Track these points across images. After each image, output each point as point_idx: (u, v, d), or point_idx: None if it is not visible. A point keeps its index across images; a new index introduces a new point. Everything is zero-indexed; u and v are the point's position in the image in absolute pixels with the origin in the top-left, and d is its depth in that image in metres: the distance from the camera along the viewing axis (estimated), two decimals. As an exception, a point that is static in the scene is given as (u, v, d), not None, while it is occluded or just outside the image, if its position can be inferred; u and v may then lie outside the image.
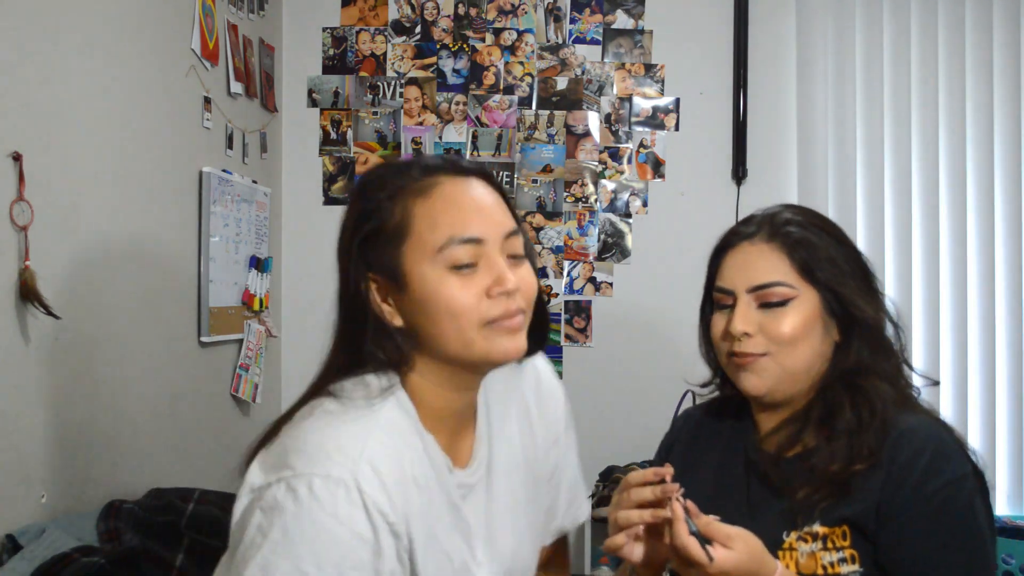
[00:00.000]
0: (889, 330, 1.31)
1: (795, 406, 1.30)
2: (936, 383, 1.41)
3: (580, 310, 3.12)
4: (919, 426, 1.22)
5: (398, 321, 1.07)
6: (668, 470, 1.12)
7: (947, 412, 2.97)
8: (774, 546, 1.19)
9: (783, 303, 1.26)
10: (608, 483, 2.69)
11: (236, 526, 1.01)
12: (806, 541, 1.19)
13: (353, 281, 1.07)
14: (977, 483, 1.21)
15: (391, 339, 1.07)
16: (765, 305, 1.27)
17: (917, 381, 1.35)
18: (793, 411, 1.30)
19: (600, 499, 2.59)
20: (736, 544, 1.09)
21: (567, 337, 3.12)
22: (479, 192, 1.08)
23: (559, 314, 3.12)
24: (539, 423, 1.24)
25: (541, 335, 1.17)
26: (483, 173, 1.11)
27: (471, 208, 1.05)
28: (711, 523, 1.10)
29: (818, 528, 1.19)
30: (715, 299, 1.34)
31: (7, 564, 1.50)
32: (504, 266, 1.05)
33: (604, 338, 3.12)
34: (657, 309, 3.07)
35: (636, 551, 1.15)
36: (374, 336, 1.06)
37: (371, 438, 1.01)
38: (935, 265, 3.03)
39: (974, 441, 2.96)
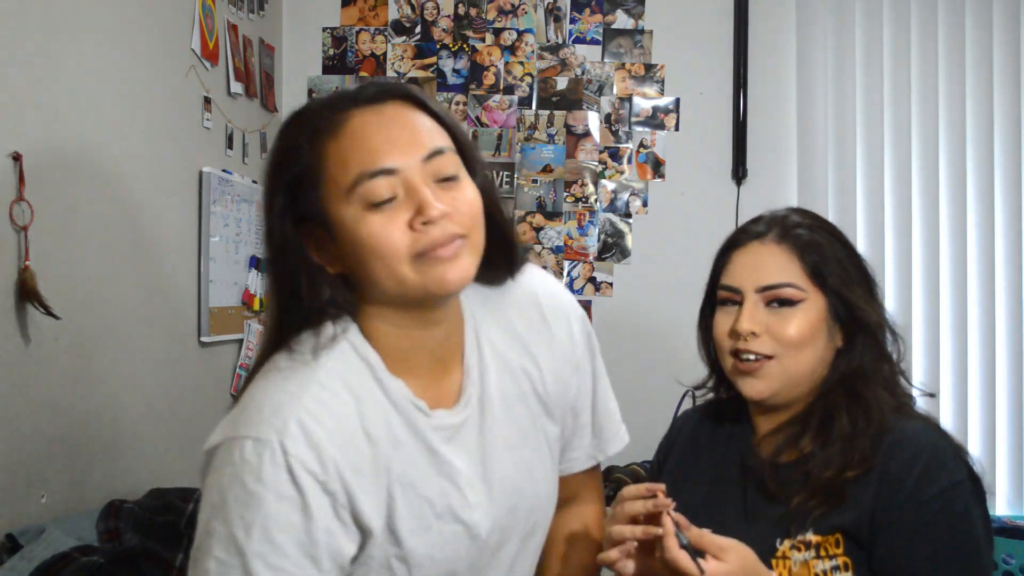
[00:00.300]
0: (889, 341, 1.31)
1: (794, 410, 1.29)
2: (933, 395, 1.39)
3: (580, 310, 3.12)
4: (913, 432, 1.21)
5: (336, 267, 1.03)
6: (660, 486, 1.11)
7: (947, 413, 2.97)
8: (768, 554, 1.18)
9: (791, 304, 1.25)
10: (609, 483, 2.69)
11: (200, 483, 1.02)
12: (799, 550, 1.18)
13: (284, 236, 1.02)
14: (973, 489, 1.20)
15: (330, 288, 1.03)
16: (772, 306, 1.26)
17: (915, 392, 1.34)
18: (792, 415, 1.29)
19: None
20: (729, 556, 1.08)
21: (567, 337, 3.11)
22: (395, 116, 1.01)
23: (559, 314, 3.11)
24: (544, 353, 1.18)
25: (508, 256, 1.12)
26: (403, 93, 1.03)
27: (380, 138, 0.99)
28: (703, 535, 1.09)
29: (811, 537, 1.18)
30: (719, 297, 1.33)
31: (7, 563, 1.50)
32: (426, 193, 0.98)
33: (604, 338, 3.05)
34: (657, 309, 3.07)
35: (628, 567, 1.14)
36: (311, 287, 1.02)
37: (306, 394, 0.99)
38: (935, 264, 3.03)
39: (974, 442, 2.97)
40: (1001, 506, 3.01)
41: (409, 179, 0.98)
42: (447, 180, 1.01)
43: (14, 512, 1.62)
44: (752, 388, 1.27)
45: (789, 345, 1.25)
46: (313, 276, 1.02)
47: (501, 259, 1.11)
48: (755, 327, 1.26)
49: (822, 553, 1.17)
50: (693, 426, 1.45)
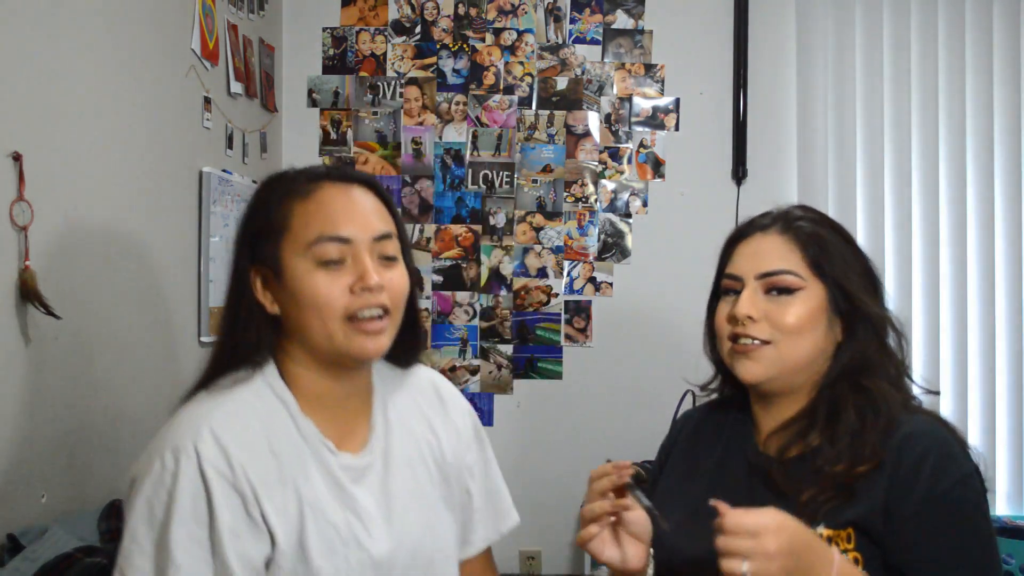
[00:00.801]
0: (891, 339, 1.31)
1: (797, 404, 1.29)
2: (936, 393, 1.40)
3: (580, 310, 3.12)
4: (923, 427, 1.22)
5: (275, 309, 1.19)
6: (626, 463, 1.15)
7: (947, 412, 2.97)
8: None
9: (790, 292, 1.26)
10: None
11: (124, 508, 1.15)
12: None
13: (239, 272, 1.20)
14: (981, 480, 1.21)
15: (262, 324, 1.18)
16: (772, 293, 1.27)
17: (917, 390, 1.35)
18: (795, 410, 1.29)
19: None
20: (767, 511, 1.08)
21: (567, 337, 3.12)
22: (357, 197, 1.19)
23: (559, 314, 3.12)
24: (441, 427, 1.32)
25: (414, 344, 1.30)
26: (366, 181, 1.22)
27: (344, 211, 1.17)
28: (724, 507, 1.09)
29: (822, 530, 1.18)
30: (723, 286, 1.34)
31: (9, 564, 1.50)
32: (369, 265, 1.15)
33: (604, 338, 3.12)
34: (657, 309, 3.07)
35: (606, 551, 1.17)
36: (247, 319, 1.18)
37: (218, 410, 1.13)
38: (935, 264, 3.03)
39: (974, 441, 2.95)
40: (1001, 506, 3.01)
41: (358, 251, 1.16)
42: (388, 259, 1.19)
43: (14, 512, 1.62)
44: (747, 371, 1.28)
45: (786, 331, 1.25)
46: (250, 311, 1.19)
47: (410, 342, 1.28)
48: (753, 312, 1.27)
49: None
50: (695, 424, 1.45)
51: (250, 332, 1.18)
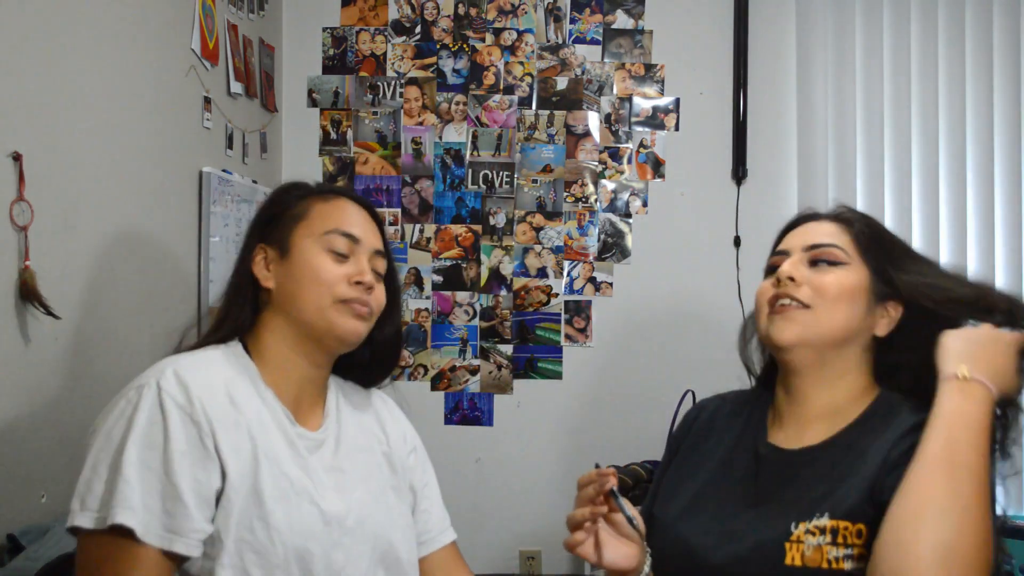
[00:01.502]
0: None
1: (823, 394, 1.30)
2: None
3: (580, 310, 3.12)
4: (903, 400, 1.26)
5: (270, 284, 1.31)
6: (609, 471, 1.17)
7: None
8: (782, 537, 1.19)
9: (835, 264, 1.30)
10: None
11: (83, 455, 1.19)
12: (814, 535, 1.18)
13: (244, 250, 1.35)
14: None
15: (252, 294, 1.31)
16: (818, 265, 1.30)
17: None
18: (822, 404, 1.30)
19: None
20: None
21: (567, 337, 3.12)
22: (367, 218, 1.37)
23: (559, 314, 3.12)
24: (388, 423, 1.44)
25: (385, 368, 1.45)
26: (373, 211, 1.39)
27: (357, 219, 1.35)
28: None
29: (826, 521, 1.18)
30: (770, 264, 1.37)
31: (11, 563, 1.50)
32: (367, 266, 1.32)
33: (604, 338, 3.12)
34: (657, 309, 3.07)
35: (603, 553, 1.19)
36: (239, 289, 1.32)
37: (183, 358, 1.22)
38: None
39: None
40: (1001, 505, 3.00)
41: (361, 252, 1.33)
42: (378, 275, 1.35)
43: (14, 512, 1.62)
44: (780, 331, 1.29)
45: (825, 297, 1.28)
46: (247, 284, 1.32)
47: (386, 366, 1.44)
48: (795, 274, 1.30)
49: (839, 540, 1.17)
50: (713, 409, 1.46)
51: (240, 300, 1.32)
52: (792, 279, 1.29)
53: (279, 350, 1.30)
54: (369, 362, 1.42)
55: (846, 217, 1.36)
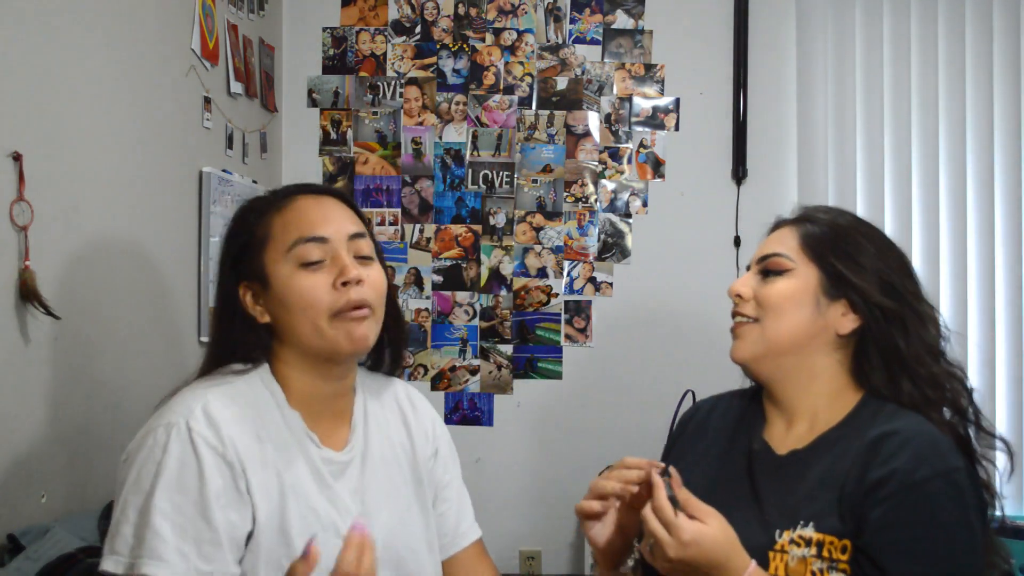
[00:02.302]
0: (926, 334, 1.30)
1: (801, 400, 1.30)
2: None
3: (580, 310, 3.12)
4: (909, 423, 1.22)
5: (266, 319, 1.26)
6: (660, 465, 1.17)
7: (947, 411, 2.96)
8: (766, 546, 1.19)
9: (779, 273, 1.30)
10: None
11: (115, 488, 1.18)
12: (799, 545, 1.18)
13: (227, 289, 1.28)
14: (970, 482, 1.20)
15: (256, 333, 1.26)
16: (767, 276, 1.31)
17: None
18: (802, 407, 1.30)
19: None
20: (711, 522, 1.12)
21: (567, 337, 3.12)
22: (329, 205, 1.28)
23: (559, 314, 3.12)
24: (416, 432, 1.40)
25: (397, 345, 1.38)
26: (336, 193, 1.33)
27: (318, 215, 1.26)
28: (691, 498, 1.13)
29: (812, 533, 1.18)
30: None
31: (11, 563, 1.50)
32: (348, 260, 1.23)
33: (604, 338, 3.12)
34: (657, 309, 3.07)
35: (601, 534, 1.21)
36: (241, 332, 1.26)
37: (210, 392, 1.19)
38: (935, 264, 3.03)
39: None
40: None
41: (336, 248, 1.24)
42: (363, 258, 1.27)
43: (14, 512, 1.62)
44: (734, 350, 1.33)
45: (768, 308, 1.29)
46: (247, 324, 1.26)
47: (394, 343, 1.37)
48: (743, 290, 1.32)
49: (824, 554, 1.17)
50: (709, 409, 1.47)
51: (245, 340, 1.26)
52: (740, 296, 1.32)
53: (297, 377, 1.27)
54: (378, 348, 1.35)
55: (808, 217, 1.35)
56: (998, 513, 1.28)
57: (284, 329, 1.25)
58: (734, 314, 1.34)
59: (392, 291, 1.34)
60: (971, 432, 1.30)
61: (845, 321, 1.28)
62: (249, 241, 1.27)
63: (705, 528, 1.11)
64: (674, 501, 1.13)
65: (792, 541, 1.18)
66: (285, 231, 1.25)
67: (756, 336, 1.30)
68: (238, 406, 1.19)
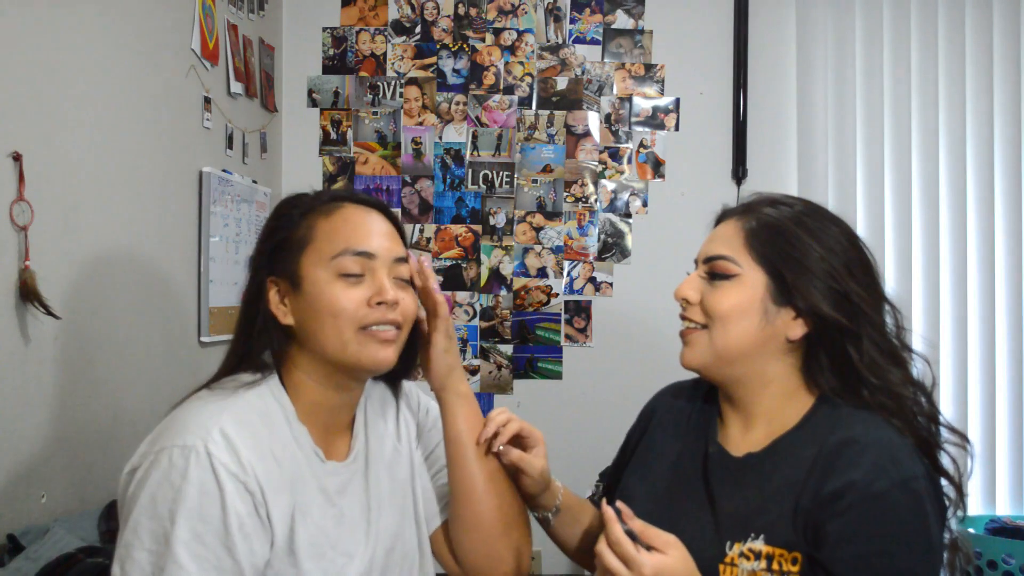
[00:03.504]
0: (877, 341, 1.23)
1: (757, 401, 1.27)
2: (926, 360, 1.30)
3: (580, 310, 3.12)
4: (867, 430, 1.17)
5: (289, 320, 1.22)
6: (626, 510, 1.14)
7: (947, 410, 2.97)
8: (716, 558, 1.16)
9: (725, 277, 1.25)
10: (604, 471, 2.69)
11: (120, 501, 1.14)
12: (748, 558, 1.15)
13: (255, 284, 1.24)
14: (930, 486, 1.15)
15: (275, 334, 1.23)
16: (713, 277, 1.27)
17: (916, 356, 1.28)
18: (758, 409, 1.27)
19: (600, 499, 2.58)
20: (671, 551, 1.09)
21: (567, 337, 3.12)
22: (376, 220, 1.26)
23: (559, 314, 3.12)
24: (406, 416, 1.41)
25: (406, 366, 1.35)
26: (383, 207, 1.29)
27: (366, 229, 1.23)
28: (648, 528, 1.10)
29: (761, 546, 1.15)
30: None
31: (11, 563, 1.50)
32: (387, 282, 1.21)
33: (604, 338, 3.12)
34: (657, 309, 3.05)
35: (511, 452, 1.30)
36: (261, 331, 1.22)
37: (226, 412, 1.14)
38: (935, 265, 3.03)
39: (973, 441, 2.96)
40: (1001, 506, 3.01)
41: (378, 267, 1.22)
42: (402, 282, 1.26)
43: (14, 512, 1.62)
44: (683, 357, 1.30)
45: (716, 317, 1.24)
46: (268, 323, 1.23)
47: (401, 366, 1.33)
48: (690, 294, 1.28)
49: (774, 567, 1.14)
50: (667, 404, 1.44)
51: (263, 341, 1.23)
52: (687, 300, 1.28)
53: (309, 385, 1.23)
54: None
55: (755, 213, 1.27)
56: (959, 513, 1.21)
57: (307, 334, 1.21)
58: (682, 318, 1.29)
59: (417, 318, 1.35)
60: (930, 427, 1.23)
61: (795, 326, 1.23)
62: (287, 238, 1.23)
63: (667, 560, 1.08)
64: (631, 535, 1.09)
65: (742, 554, 1.16)
66: (331, 238, 1.21)
67: (704, 344, 1.25)
68: (253, 426, 1.16)
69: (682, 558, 1.10)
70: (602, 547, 1.09)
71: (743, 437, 1.28)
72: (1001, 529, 2.67)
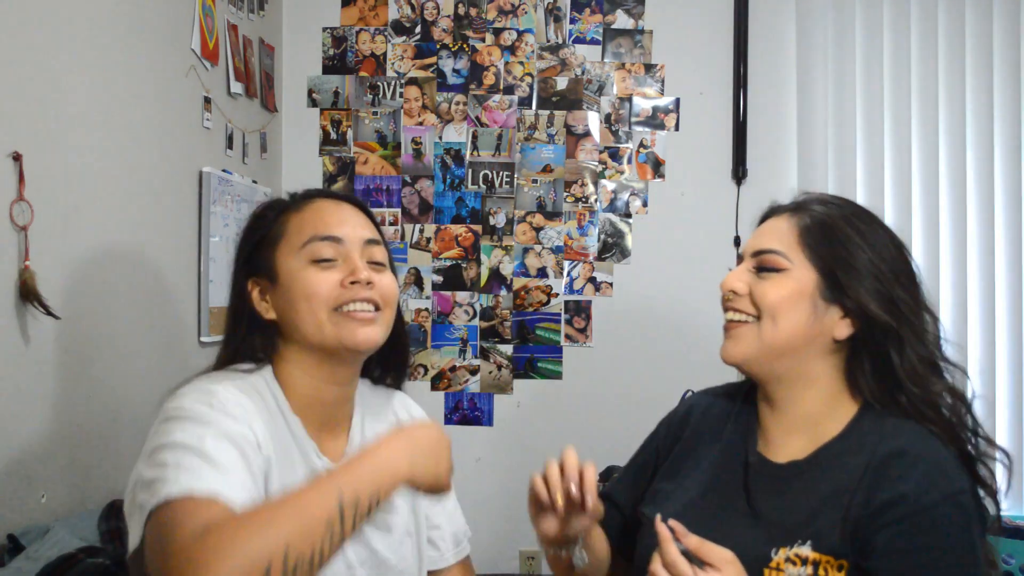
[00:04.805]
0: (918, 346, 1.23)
1: (798, 405, 1.26)
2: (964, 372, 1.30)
3: (580, 310, 3.12)
4: (914, 440, 1.18)
5: (271, 315, 1.25)
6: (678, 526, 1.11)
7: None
8: (761, 562, 1.16)
9: (776, 271, 1.24)
10: (608, 483, 2.69)
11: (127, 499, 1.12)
12: (795, 563, 1.15)
13: (238, 285, 1.28)
14: (974, 501, 1.17)
15: (261, 331, 1.25)
16: (761, 271, 1.26)
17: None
18: (799, 412, 1.26)
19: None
20: (728, 569, 1.07)
21: (567, 337, 3.12)
22: (346, 210, 1.29)
23: (559, 314, 3.12)
24: None
25: (401, 362, 1.38)
26: (355, 201, 1.33)
27: (336, 217, 1.26)
28: (703, 544, 1.08)
29: (809, 552, 1.15)
30: (738, 258, 1.34)
31: (12, 563, 1.50)
32: (359, 262, 1.23)
33: (604, 338, 3.12)
34: (657, 309, 3.07)
35: (551, 527, 1.23)
36: (248, 328, 1.25)
37: (222, 385, 1.15)
38: (935, 265, 3.03)
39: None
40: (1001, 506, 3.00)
41: (349, 250, 1.24)
42: (377, 264, 1.27)
43: (14, 512, 1.62)
44: (726, 351, 1.28)
45: (767, 308, 1.23)
46: (254, 321, 1.25)
47: (397, 360, 1.37)
48: (738, 286, 1.27)
49: (820, 573, 1.14)
50: (703, 409, 1.42)
51: (251, 339, 1.25)
52: (735, 291, 1.27)
53: (300, 378, 1.24)
54: (380, 351, 1.33)
55: (806, 210, 1.27)
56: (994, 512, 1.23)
57: (288, 324, 1.23)
58: (727, 310, 1.28)
59: (399, 310, 1.33)
60: (971, 439, 1.24)
61: (841, 326, 1.24)
62: (263, 238, 1.27)
63: (724, 561, 1.07)
64: (687, 554, 1.07)
65: (788, 559, 1.15)
66: (300, 229, 1.25)
67: (752, 337, 1.24)
68: (252, 400, 1.17)
69: (736, 573, 1.08)
70: (657, 567, 1.08)
71: (784, 443, 1.27)
72: (1001, 529, 2.67)
